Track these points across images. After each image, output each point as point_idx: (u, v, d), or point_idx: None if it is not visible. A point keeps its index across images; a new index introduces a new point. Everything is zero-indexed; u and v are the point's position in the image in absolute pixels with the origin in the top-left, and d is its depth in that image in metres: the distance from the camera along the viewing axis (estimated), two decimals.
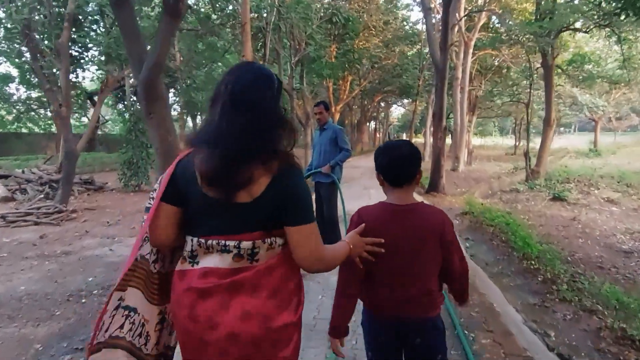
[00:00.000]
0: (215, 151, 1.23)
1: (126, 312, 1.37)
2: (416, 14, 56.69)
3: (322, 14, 16.40)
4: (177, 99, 36.27)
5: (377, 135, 49.71)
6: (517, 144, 29.95)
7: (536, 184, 12.81)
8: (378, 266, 1.64)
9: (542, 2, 13.29)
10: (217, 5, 13.96)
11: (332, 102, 23.84)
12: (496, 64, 22.43)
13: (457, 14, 13.97)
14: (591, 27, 13.01)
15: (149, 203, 1.38)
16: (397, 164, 1.71)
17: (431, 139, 28.98)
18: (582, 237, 7.35)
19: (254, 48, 15.16)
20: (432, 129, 21.27)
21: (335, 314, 1.73)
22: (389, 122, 54.17)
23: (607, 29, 12.85)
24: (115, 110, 33.36)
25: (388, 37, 22.98)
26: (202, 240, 1.29)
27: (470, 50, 17.84)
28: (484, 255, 6.25)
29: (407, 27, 26.23)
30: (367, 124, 43.39)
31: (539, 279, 5.09)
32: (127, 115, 13.16)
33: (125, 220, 8.12)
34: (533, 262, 5.45)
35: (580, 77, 14.64)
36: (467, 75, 18.01)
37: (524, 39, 13.77)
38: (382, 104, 42.64)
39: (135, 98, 16.82)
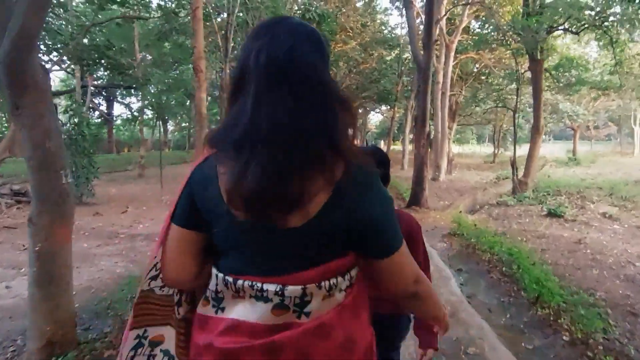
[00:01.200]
0: (250, 158, 0.80)
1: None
2: (395, 19, 56.00)
3: (295, 10, 14.99)
4: (147, 102, 34.45)
5: (356, 142, 48.31)
6: (496, 152, 29.08)
7: (525, 197, 11.59)
8: None
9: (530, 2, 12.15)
10: None
11: None
12: (476, 70, 21.49)
13: (441, 9, 12.74)
14: (582, 27, 11.94)
15: None
16: None
17: (410, 147, 27.91)
18: (594, 265, 6.04)
19: (217, 44, 13.66)
20: (412, 135, 20.03)
21: None
22: (367, 129, 53.15)
23: (599, 31, 11.80)
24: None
25: (366, 39, 21.74)
26: (230, 280, 0.90)
27: (452, 54, 16.71)
28: (484, 296, 4.86)
29: (385, 32, 25.14)
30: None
31: (565, 338, 3.72)
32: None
33: None
34: (552, 312, 4.08)
35: (569, 83, 13.55)
36: (448, 79, 16.86)
37: (510, 39, 12.63)
38: (360, 111, 41.50)
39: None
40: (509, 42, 12.46)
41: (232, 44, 16.04)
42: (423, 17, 24.40)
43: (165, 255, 0.98)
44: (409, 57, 26.22)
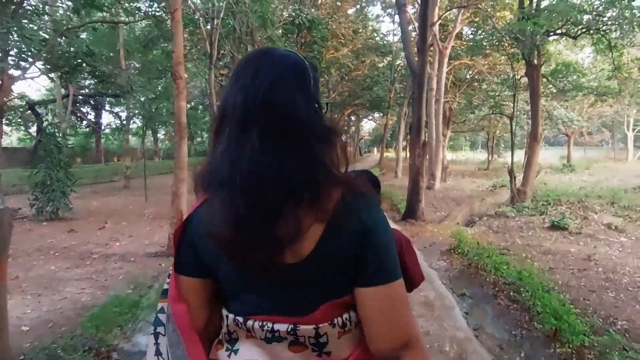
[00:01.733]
0: (233, 197, 0.80)
1: None
2: (387, 25, 55.83)
3: (285, 16, 14.47)
4: (137, 111, 33.73)
5: (348, 149, 47.96)
6: (489, 159, 28.69)
7: (524, 207, 11.06)
8: None
9: (526, 6, 11.72)
10: None
11: None
12: (468, 77, 21.09)
13: (434, 13, 12.27)
14: (580, 31, 11.52)
15: (168, 282, 0.95)
16: None
17: (404, 154, 27.46)
18: (609, 287, 5.49)
19: (206, 51, 13.10)
20: (405, 143, 19.43)
21: None
22: (359, 136, 52.75)
23: (597, 35, 11.39)
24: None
25: (358, 46, 21.30)
26: (240, 320, 0.87)
27: (446, 60, 16.25)
28: (492, 328, 4.27)
29: (377, 38, 24.77)
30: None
31: None
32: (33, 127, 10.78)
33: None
34: (574, 351, 3.50)
35: (564, 89, 13.09)
36: (442, 86, 16.37)
37: (506, 44, 12.18)
38: (353, 118, 41.07)
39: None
40: (505, 47, 11.99)
41: (222, 52, 15.49)
42: (416, 23, 24.20)
43: (181, 317, 0.90)
44: (402, 64, 25.90)
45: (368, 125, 57.87)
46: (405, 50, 9.59)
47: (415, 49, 9.25)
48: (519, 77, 12.55)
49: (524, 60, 12.06)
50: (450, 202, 14.02)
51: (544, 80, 12.59)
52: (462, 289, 5.31)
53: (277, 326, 0.85)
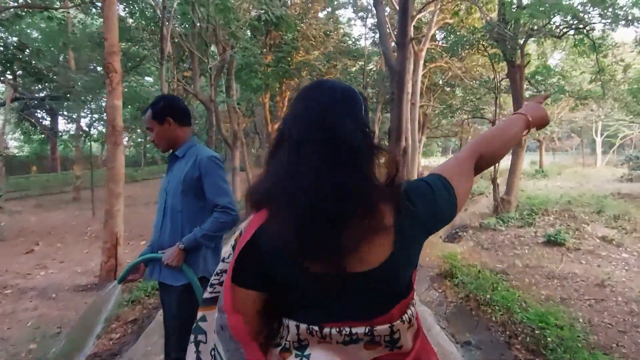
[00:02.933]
0: (297, 209, 0.87)
1: None
2: (359, 29, 55.31)
3: (251, 12, 13.19)
4: (98, 117, 31.59)
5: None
6: None
7: (510, 217, 10.10)
8: None
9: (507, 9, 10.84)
10: None
11: (268, 120, 20.60)
12: (441, 82, 20.29)
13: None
14: (563, 30, 10.71)
15: (212, 292, 1.02)
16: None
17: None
18: (638, 324, 4.44)
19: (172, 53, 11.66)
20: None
21: None
22: None
23: (579, 36, 10.61)
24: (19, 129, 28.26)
25: (329, 49, 20.18)
26: (315, 328, 0.90)
27: (421, 62, 15.33)
28: None
29: (349, 42, 23.74)
30: None
31: None
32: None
33: None
34: None
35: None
36: (417, 89, 15.42)
37: (486, 44, 11.26)
38: None
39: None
40: (485, 47, 11.06)
41: (186, 52, 14.06)
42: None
43: (238, 328, 0.93)
44: (374, 69, 24.97)
45: None
46: (383, 46, 8.49)
47: (394, 44, 8.14)
48: (500, 79, 11.65)
49: (505, 62, 11.19)
50: None
51: (527, 83, 11.72)
52: (465, 334, 4.14)
53: (354, 329, 0.89)
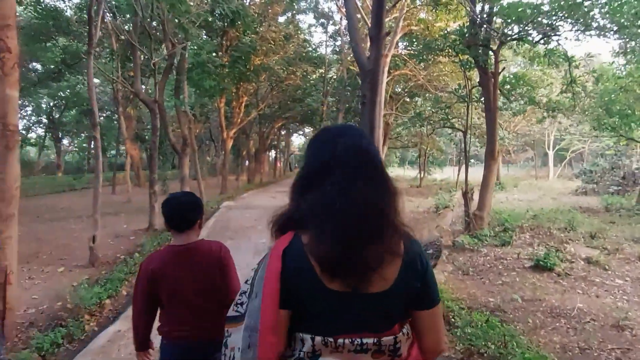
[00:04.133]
0: (335, 230, 0.99)
1: None
2: (319, 36, 54.57)
3: (205, 5, 11.78)
4: (40, 119, 28.77)
5: (278, 164, 45.27)
6: (421, 176, 27.61)
7: (484, 235, 9.19)
8: (169, 304, 1.89)
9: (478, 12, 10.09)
10: None
11: (223, 127, 19.07)
12: (405, 91, 19.60)
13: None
14: (536, 37, 10.05)
15: (237, 311, 1.08)
16: (178, 214, 1.91)
17: None
18: None
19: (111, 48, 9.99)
20: None
21: (135, 334, 2.01)
22: (290, 151, 50.43)
23: (553, 43, 10.00)
24: None
25: (289, 54, 18.98)
26: (331, 340, 1.01)
27: (386, 69, 14.39)
28: None
29: (309, 49, 22.69)
30: (267, 152, 38.89)
31: None
32: None
33: None
34: None
35: (518, 102, 11.65)
36: (382, 98, 14.43)
37: (457, 49, 10.42)
38: (283, 132, 38.68)
39: None
40: (456, 52, 10.21)
41: (129, 50, 12.40)
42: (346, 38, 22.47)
43: (271, 340, 0.99)
44: (334, 77, 24.05)
45: (299, 140, 55.80)
46: (352, 42, 7.38)
47: (367, 38, 7.05)
48: (470, 87, 10.84)
49: (477, 69, 10.39)
50: None
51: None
52: None
53: (365, 340, 1.01)
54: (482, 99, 10.92)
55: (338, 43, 23.73)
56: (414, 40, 14.23)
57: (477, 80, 10.71)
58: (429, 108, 15.44)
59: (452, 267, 7.24)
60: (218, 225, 10.76)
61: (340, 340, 1.00)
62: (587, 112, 11.21)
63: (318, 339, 1.01)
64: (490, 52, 10.09)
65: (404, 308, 1.06)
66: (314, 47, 23.67)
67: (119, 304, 5.23)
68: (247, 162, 29.71)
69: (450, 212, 14.63)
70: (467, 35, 10.18)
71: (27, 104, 25.13)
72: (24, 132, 28.01)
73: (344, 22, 21.85)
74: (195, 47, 12.64)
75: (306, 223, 1.03)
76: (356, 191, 1.01)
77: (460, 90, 10.97)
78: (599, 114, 10.79)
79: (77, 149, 32.02)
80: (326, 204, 1.01)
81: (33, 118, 27.00)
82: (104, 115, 28.04)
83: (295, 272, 1.00)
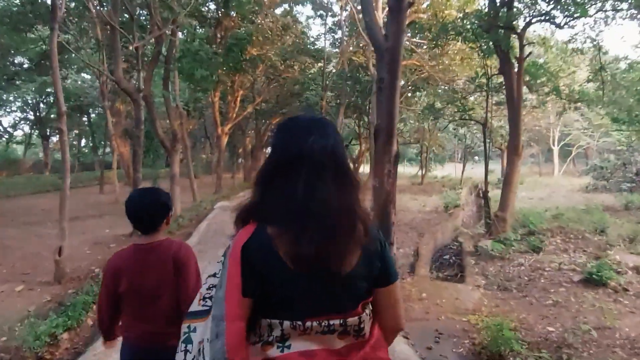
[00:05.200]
0: (306, 228, 1.01)
1: None
2: (317, 28, 53.31)
3: None
4: (26, 115, 27.40)
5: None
6: (423, 173, 26.59)
7: (509, 240, 8.09)
8: (127, 302, 1.83)
9: None
10: None
11: (218, 122, 17.88)
12: (407, 84, 18.46)
13: None
14: (564, 19, 8.96)
15: (204, 305, 1.09)
16: (140, 217, 1.84)
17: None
18: None
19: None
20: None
21: (99, 325, 2.00)
22: None
23: (581, 26, 8.89)
24: None
25: (287, 44, 17.78)
26: (299, 323, 1.03)
27: None
28: None
29: (308, 42, 21.50)
30: (264, 150, 37.64)
31: None
32: None
33: None
34: None
35: (542, 92, 10.53)
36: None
37: (476, 33, 9.30)
38: None
39: None
40: (475, 36, 9.07)
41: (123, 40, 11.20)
42: (345, 29, 21.29)
43: (238, 330, 0.99)
44: (334, 71, 22.85)
45: None
46: (366, 16, 6.22)
47: (384, 14, 5.88)
48: (490, 75, 9.72)
49: (497, 55, 9.27)
50: (406, 228, 10.91)
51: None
52: None
53: (332, 322, 1.04)
54: (503, 88, 9.84)
55: (338, 35, 22.58)
56: (425, 26, 13.06)
57: (498, 67, 9.60)
58: (442, 100, 14.26)
59: (483, 280, 6.13)
60: (211, 229, 9.57)
61: (308, 324, 1.03)
62: (616, 103, 10.10)
63: (287, 323, 1.03)
64: (513, 35, 8.99)
65: (368, 286, 1.09)
66: (312, 39, 22.50)
67: (80, 339, 4.07)
68: (243, 159, 28.49)
69: (461, 212, 13.56)
70: (486, 17, 9.10)
71: (12, 99, 23.77)
72: (10, 129, 26.69)
73: (344, 13, 20.75)
74: (186, 34, 11.47)
75: (272, 217, 1.04)
76: (327, 192, 1.03)
77: (478, 79, 9.84)
78: (631, 105, 9.70)
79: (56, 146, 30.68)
80: (298, 203, 1.02)
81: (19, 115, 25.63)
82: (96, 112, 26.73)
83: (261, 260, 1.02)
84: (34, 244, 8.07)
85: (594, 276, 5.59)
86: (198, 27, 14.41)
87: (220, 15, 14.36)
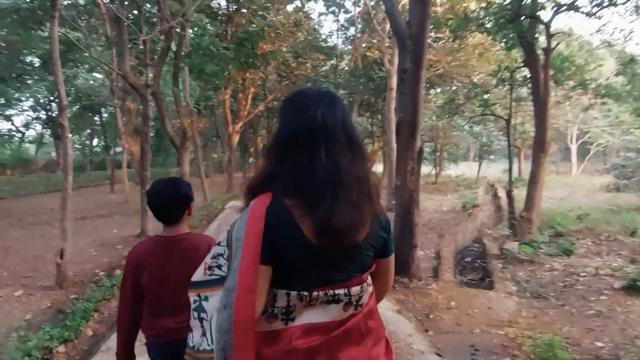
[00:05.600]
0: (333, 200, 1.00)
1: None
2: (329, 25, 52.70)
3: None
4: (38, 115, 27.36)
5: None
6: (436, 172, 26.02)
7: (538, 242, 7.58)
8: (153, 297, 1.76)
9: None
10: None
11: (229, 120, 17.54)
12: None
13: None
14: (592, 7, 8.44)
15: (212, 274, 1.10)
16: (161, 210, 1.79)
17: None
18: None
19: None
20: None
21: (118, 334, 1.84)
22: None
23: (610, 16, 8.33)
24: None
25: (300, 39, 17.38)
26: (305, 293, 1.03)
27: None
28: None
29: (320, 39, 21.09)
30: None
31: None
32: None
33: None
34: None
35: (568, 87, 10.00)
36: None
37: (499, 24, 8.78)
38: None
39: None
40: (500, 27, 8.56)
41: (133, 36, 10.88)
42: (359, 25, 20.79)
43: (252, 296, 0.97)
44: (346, 68, 22.38)
45: None
46: (387, 2, 5.79)
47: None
48: (513, 68, 9.20)
49: (522, 47, 8.75)
50: (424, 229, 10.37)
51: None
52: None
53: (337, 291, 1.05)
54: (528, 82, 9.31)
55: (350, 32, 22.13)
56: (442, 20, 12.55)
57: (522, 60, 9.07)
58: (462, 95, 13.70)
59: (514, 287, 5.63)
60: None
61: (315, 293, 1.03)
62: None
63: (293, 293, 1.02)
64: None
65: (372, 257, 1.12)
66: (324, 37, 22.08)
67: (77, 352, 3.70)
68: (254, 158, 28.16)
69: (480, 212, 13.03)
70: (509, 7, 8.59)
71: (24, 99, 23.73)
72: (22, 128, 26.70)
73: (357, 9, 20.32)
74: (196, 30, 11.11)
75: (291, 189, 1.03)
76: (347, 162, 1.04)
77: (501, 73, 9.32)
78: None
79: (79, 146, 30.56)
80: (324, 174, 1.02)
81: (31, 114, 25.61)
82: (108, 111, 26.59)
83: (279, 229, 1.01)
84: (38, 245, 7.78)
85: (638, 283, 5.08)
86: (209, 25, 14.11)
87: (231, 11, 14.00)
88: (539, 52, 8.53)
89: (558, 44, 8.53)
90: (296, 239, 1.00)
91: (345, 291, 1.04)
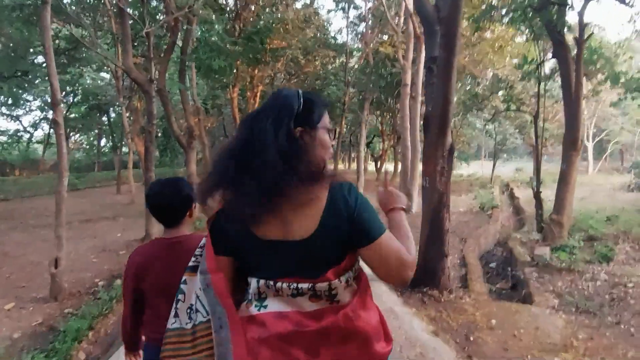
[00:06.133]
0: (250, 185, 1.08)
1: None
2: (338, 22, 52.26)
3: None
4: (46, 115, 27.06)
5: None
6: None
7: (568, 247, 6.98)
8: (155, 300, 1.70)
9: None
10: None
11: (237, 119, 17.00)
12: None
13: None
14: None
15: (194, 261, 1.21)
16: (160, 211, 1.74)
17: (371, 166, 23.31)
18: None
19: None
20: (365, 152, 15.34)
21: (123, 333, 1.82)
22: None
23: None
24: None
25: (309, 35, 16.84)
26: (271, 282, 1.10)
27: (424, 47, 12.20)
28: None
29: (329, 36, 20.54)
30: None
31: None
32: None
33: None
34: None
35: (597, 81, 9.35)
36: (419, 80, 12.23)
37: (526, 14, 8.18)
38: None
39: None
40: (527, 15, 7.95)
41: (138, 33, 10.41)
42: (369, 19, 20.22)
43: (220, 282, 1.12)
44: (356, 66, 21.81)
45: None
46: None
47: None
48: (540, 60, 8.57)
49: (550, 38, 8.13)
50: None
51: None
52: None
53: (300, 285, 1.08)
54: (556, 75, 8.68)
55: (360, 29, 21.55)
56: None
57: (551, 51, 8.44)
58: (484, 90, 13.05)
59: (556, 299, 5.05)
60: None
61: (279, 284, 1.08)
62: None
63: (262, 281, 1.10)
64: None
65: (336, 251, 1.09)
66: (333, 33, 21.55)
67: None
68: None
69: (500, 213, 12.41)
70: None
71: (31, 99, 23.43)
72: (30, 129, 26.44)
73: (369, 4, 19.78)
74: (204, 25, 10.62)
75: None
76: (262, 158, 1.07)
77: (527, 65, 8.70)
78: None
79: (87, 146, 30.26)
80: (236, 162, 1.11)
81: (39, 114, 25.32)
82: (115, 111, 26.27)
83: (228, 224, 1.11)
84: (38, 250, 7.29)
85: None
86: (215, 21, 13.64)
87: (239, 7, 13.50)
88: (570, 43, 7.91)
89: (592, 33, 7.86)
90: (243, 233, 1.10)
91: (309, 286, 1.08)
